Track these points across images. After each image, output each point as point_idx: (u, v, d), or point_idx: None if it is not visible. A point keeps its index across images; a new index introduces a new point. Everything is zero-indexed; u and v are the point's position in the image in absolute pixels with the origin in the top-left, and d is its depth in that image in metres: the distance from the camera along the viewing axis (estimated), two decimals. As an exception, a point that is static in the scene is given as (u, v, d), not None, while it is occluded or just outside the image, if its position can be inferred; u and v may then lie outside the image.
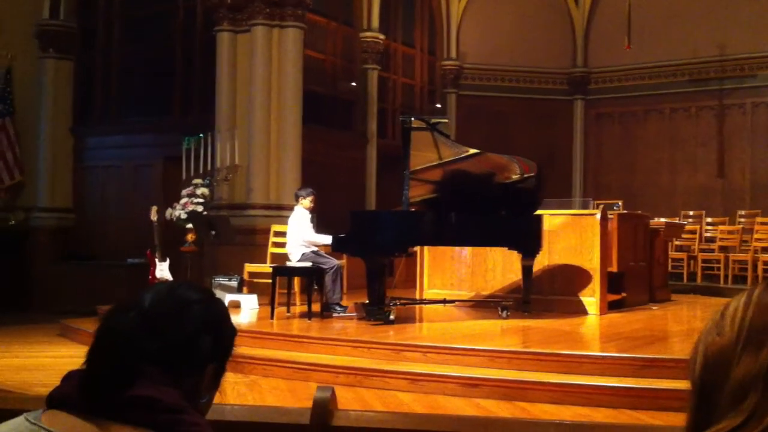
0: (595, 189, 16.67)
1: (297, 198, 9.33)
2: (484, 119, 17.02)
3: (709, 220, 15.15)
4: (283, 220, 10.25)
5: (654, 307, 10.22)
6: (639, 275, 10.37)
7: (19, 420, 1.34)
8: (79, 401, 1.32)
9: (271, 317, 8.81)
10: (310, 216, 9.15)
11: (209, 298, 1.47)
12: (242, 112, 11.94)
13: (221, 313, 1.49)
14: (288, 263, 9.16)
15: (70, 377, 1.37)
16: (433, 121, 8.69)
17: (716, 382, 1.12)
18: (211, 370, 1.44)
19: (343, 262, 10.09)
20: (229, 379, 6.87)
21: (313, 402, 2.00)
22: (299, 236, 9.06)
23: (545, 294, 9.46)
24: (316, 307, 8.82)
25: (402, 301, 9.18)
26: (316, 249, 9.07)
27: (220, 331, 1.46)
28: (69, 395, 1.34)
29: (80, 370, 1.36)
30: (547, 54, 17.32)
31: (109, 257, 13.08)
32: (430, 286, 10.51)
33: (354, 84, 14.74)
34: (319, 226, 9.19)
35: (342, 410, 2.04)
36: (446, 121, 9.05)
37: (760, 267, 13.14)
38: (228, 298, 9.74)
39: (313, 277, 9.01)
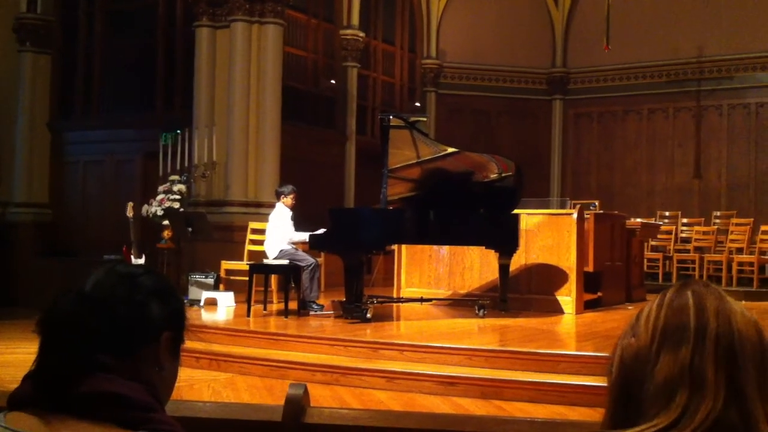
0: (574, 188, 16.75)
1: (278, 195, 9.28)
2: (465, 118, 17.08)
3: (684, 220, 15.25)
4: (261, 217, 10.22)
5: (630, 307, 10.27)
6: (615, 275, 10.43)
7: None
8: (42, 400, 1.29)
9: (248, 315, 8.77)
10: (291, 214, 9.13)
11: (150, 270, 1.47)
12: (221, 109, 11.89)
13: (165, 281, 1.49)
14: (265, 261, 9.13)
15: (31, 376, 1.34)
16: (412, 119, 8.69)
17: (634, 381, 1.19)
18: (168, 338, 1.42)
19: (321, 259, 10.08)
20: (206, 376, 6.86)
21: (285, 399, 1.99)
22: (278, 234, 9.03)
23: (522, 293, 9.50)
24: (293, 304, 8.79)
25: (379, 300, 9.17)
26: (293, 246, 9.05)
27: (167, 296, 1.44)
28: (30, 394, 1.31)
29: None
30: (527, 54, 17.38)
31: (89, 253, 12.94)
32: (407, 285, 10.51)
33: (334, 81, 14.73)
34: (297, 223, 9.17)
35: (315, 407, 2.04)
36: (425, 119, 9.03)
37: (735, 267, 13.25)
38: (204, 296, 9.71)
39: (290, 274, 8.97)
